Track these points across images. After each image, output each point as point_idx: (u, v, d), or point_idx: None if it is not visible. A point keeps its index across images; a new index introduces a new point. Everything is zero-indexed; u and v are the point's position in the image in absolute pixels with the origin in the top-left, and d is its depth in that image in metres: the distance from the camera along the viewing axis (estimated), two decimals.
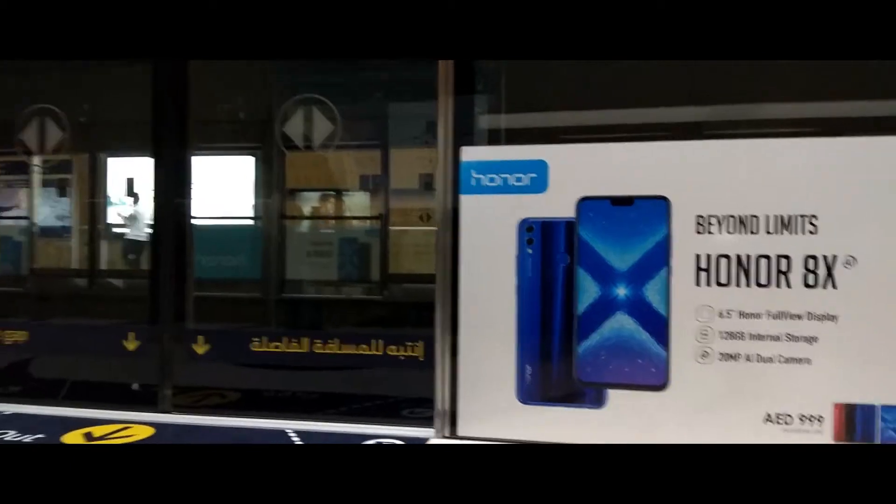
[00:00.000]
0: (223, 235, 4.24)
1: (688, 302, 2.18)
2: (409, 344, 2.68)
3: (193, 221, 3.24)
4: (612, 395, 2.23)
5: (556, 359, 2.28)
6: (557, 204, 2.27)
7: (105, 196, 4.65)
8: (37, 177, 4.70)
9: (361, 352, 2.74)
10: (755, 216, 2.15)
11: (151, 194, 3.15)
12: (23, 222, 4.81)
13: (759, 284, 2.14)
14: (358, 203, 4.75)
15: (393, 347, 2.70)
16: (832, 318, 2.09)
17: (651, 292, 2.20)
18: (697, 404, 2.17)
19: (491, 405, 2.29)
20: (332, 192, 4.81)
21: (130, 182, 4.44)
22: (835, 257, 2.09)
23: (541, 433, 2.25)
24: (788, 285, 2.12)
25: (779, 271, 2.13)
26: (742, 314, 2.15)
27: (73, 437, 2.46)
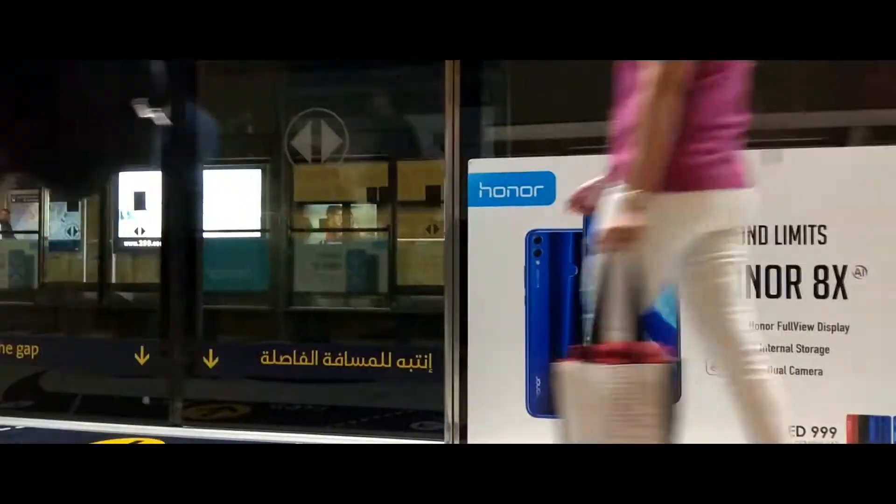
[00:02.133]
0: (232, 248, 4.26)
1: None
2: (418, 356, 2.67)
3: (202, 234, 3.26)
4: None
5: None
6: (565, 215, 2.27)
7: (115, 210, 4.68)
8: (47, 192, 4.74)
9: (370, 364, 2.74)
10: (764, 227, 2.14)
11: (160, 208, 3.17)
12: (33, 236, 4.85)
13: (769, 295, 2.13)
14: (365, 215, 4.76)
15: (402, 360, 2.70)
16: (843, 328, 2.08)
17: (661, 304, 2.19)
18: (709, 416, 2.15)
19: (501, 417, 2.28)
20: (339, 205, 4.82)
21: (140, 196, 4.47)
22: (845, 267, 2.08)
23: None
24: (799, 296, 2.11)
25: (789, 282, 2.12)
26: (752, 325, 2.13)
27: None
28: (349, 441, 2.55)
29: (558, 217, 2.28)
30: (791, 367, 2.11)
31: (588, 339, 1.49)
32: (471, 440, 2.33)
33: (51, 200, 4.86)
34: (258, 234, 4.63)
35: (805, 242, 2.11)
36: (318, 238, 4.82)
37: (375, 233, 4.49)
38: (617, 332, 1.42)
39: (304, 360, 2.81)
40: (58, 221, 4.91)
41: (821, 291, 2.10)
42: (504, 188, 2.32)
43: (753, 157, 2.20)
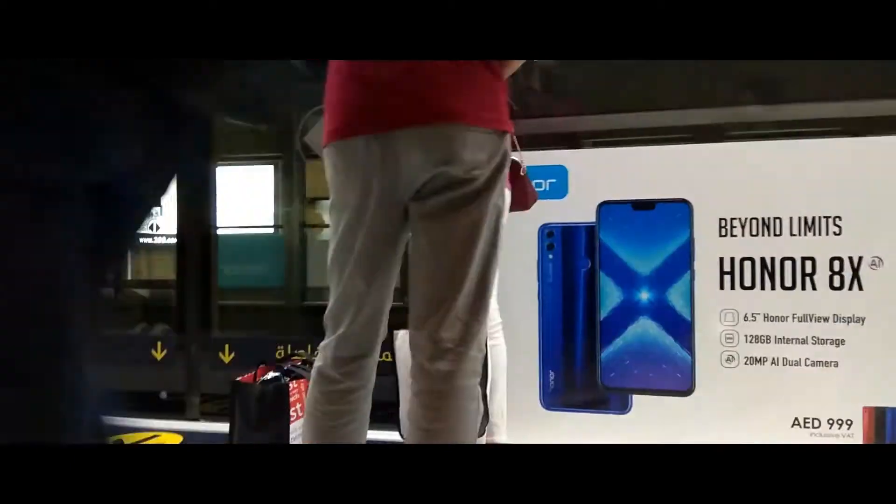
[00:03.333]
0: (246, 244, 4.29)
1: (712, 306, 2.17)
2: None
3: (217, 231, 3.29)
4: (637, 400, 2.22)
5: (580, 364, 2.28)
6: (578, 209, 2.27)
7: None
8: None
9: (384, 359, 2.75)
10: (778, 218, 2.13)
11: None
12: None
13: (784, 287, 2.12)
14: None
15: None
16: (859, 319, 2.07)
17: (674, 296, 2.19)
18: (723, 409, 2.15)
19: (514, 411, 2.29)
20: None
21: None
22: (860, 258, 2.07)
23: (564, 439, 2.25)
24: (814, 287, 2.10)
25: (804, 273, 2.11)
26: (767, 317, 2.13)
27: None
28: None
29: (571, 210, 2.28)
30: (806, 359, 2.10)
31: None
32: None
33: None
34: (272, 231, 4.65)
35: (820, 234, 2.10)
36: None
37: None
38: None
39: (318, 354, 2.83)
40: None
41: (836, 283, 2.09)
42: None
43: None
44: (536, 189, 2.33)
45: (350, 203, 1.31)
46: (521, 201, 1.76)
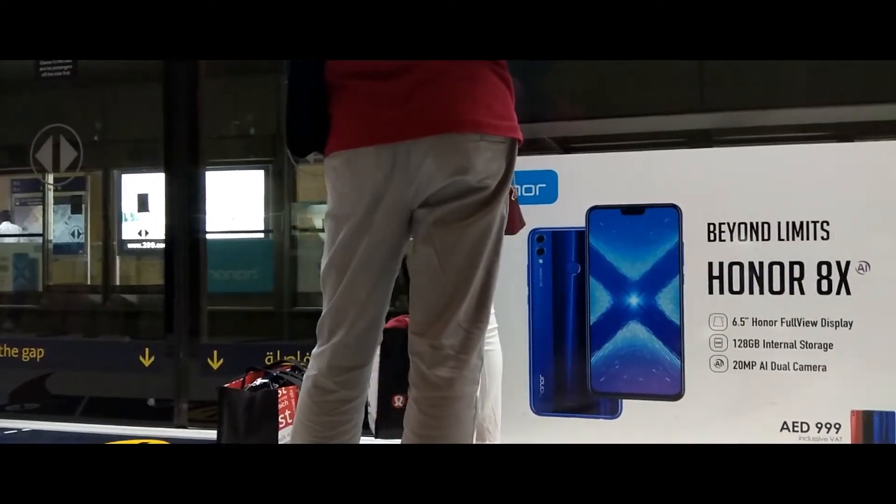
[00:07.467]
0: (235, 249, 4.27)
1: (701, 310, 2.17)
2: None
3: (206, 236, 3.27)
4: (627, 404, 2.22)
5: (570, 369, 2.28)
6: (568, 214, 2.28)
7: (119, 212, 4.69)
8: (51, 195, 4.76)
9: None
10: (767, 223, 2.14)
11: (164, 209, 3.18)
12: (37, 239, 4.86)
13: (772, 291, 2.13)
14: None
15: None
16: (847, 324, 2.08)
17: (664, 301, 2.20)
18: (713, 413, 2.16)
19: (504, 416, 2.29)
20: None
21: (143, 198, 4.48)
22: (848, 263, 2.08)
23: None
24: (802, 292, 2.11)
25: (792, 278, 2.12)
26: (756, 321, 2.14)
27: None
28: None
29: (561, 215, 2.28)
30: (795, 363, 2.11)
31: None
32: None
33: (54, 203, 4.87)
34: (261, 235, 4.63)
35: (808, 238, 2.11)
36: (321, 238, 4.82)
37: None
38: None
39: (307, 360, 2.82)
40: (62, 224, 4.93)
41: (824, 287, 2.10)
42: None
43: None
44: (527, 194, 2.34)
45: (355, 210, 1.29)
46: (510, 226, 1.78)
